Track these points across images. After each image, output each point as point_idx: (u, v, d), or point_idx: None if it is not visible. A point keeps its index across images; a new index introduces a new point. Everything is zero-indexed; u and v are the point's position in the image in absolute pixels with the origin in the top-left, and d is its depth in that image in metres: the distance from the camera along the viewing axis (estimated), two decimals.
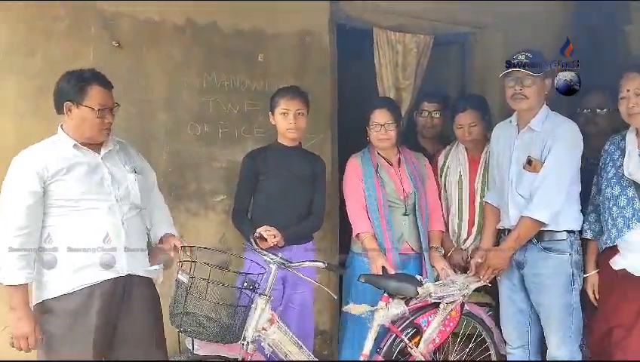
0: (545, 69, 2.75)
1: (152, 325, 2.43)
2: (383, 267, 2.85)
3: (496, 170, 2.98)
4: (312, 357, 2.68)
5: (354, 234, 3.02)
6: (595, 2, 3.62)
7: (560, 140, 2.70)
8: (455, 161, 3.22)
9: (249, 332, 2.49)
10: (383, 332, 2.75)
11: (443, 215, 3.17)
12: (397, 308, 2.71)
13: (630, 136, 2.61)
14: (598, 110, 3.14)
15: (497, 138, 2.99)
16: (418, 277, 2.82)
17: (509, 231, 2.82)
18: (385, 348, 2.73)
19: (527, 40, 3.10)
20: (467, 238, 3.15)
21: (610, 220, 2.59)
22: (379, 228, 2.95)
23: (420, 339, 2.77)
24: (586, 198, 2.80)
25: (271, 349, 2.57)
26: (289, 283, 2.85)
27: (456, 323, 2.85)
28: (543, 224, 2.69)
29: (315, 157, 3.07)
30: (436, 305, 2.79)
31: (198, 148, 3.26)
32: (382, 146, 3.06)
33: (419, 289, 2.71)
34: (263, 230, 2.74)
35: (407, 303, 2.74)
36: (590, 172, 2.80)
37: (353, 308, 2.74)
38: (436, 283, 2.85)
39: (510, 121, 2.94)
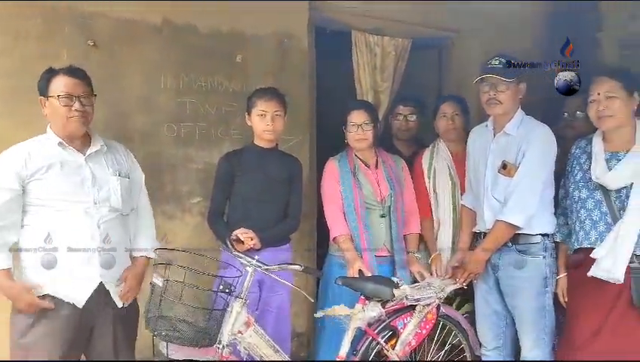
0: (519, 74, 2.79)
1: (122, 337, 2.42)
2: (360, 269, 2.86)
3: (472, 173, 3.01)
4: (288, 360, 2.67)
5: (331, 237, 3.02)
6: (568, 9, 3.69)
7: (534, 145, 2.73)
8: (442, 161, 3.23)
9: (225, 336, 2.46)
10: (360, 334, 2.75)
11: (432, 219, 3.18)
12: (373, 310, 2.71)
13: (597, 140, 2.65)
14: (577, 113, 3.18)
15: (473, 141, 3.02)
16: (395, 279, 2.83)
17: (485, 234, 2.84)
18: (361, 351, 2.73)
19: (502, 45, 3.14)
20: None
21: (578, 223, 2.63)
22: (356, 231, 2.95)
23: (396, 342, 2.77)
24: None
25: (247, 352, 2.55)
26: (266, 285, 2.83)
27: (433, 326, 2.86)
28: (517, 228, 2.71)
29: (291, 158, 3.06)
30: (412, 307, 2.80)
31: (174, 150, 3.23)
32: (359, 147, 3.07)
33: (395, 291, 2.72)
34: (239, 232, 2.73)
35: (383, 306, 2.75)
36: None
37: (337, 310, 2.73)
38: (412, 285, 2.87)
39: (486, 125, 2.97)
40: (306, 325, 3.47)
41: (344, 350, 2.68)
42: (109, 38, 3.06)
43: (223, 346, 2.46)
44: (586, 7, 3.87)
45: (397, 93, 3.84)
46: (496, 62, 2.77)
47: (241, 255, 2.60)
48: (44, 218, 2.27)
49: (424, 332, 2.83)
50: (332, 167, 3.09)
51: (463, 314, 3.07)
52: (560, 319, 2.80)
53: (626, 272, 2.45)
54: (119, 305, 2.41)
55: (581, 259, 2.59)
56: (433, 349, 3.01)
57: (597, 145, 2.63)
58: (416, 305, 2.80)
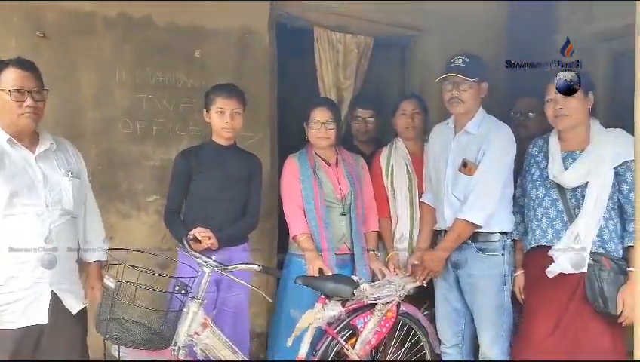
0: (482, 73, 2.80)
1: (73, 339, 2.34)
2: (320, 268, 2.83)
3: (432, 171, 3.01)
4: (246, 361, 2.62)
5: (290, 235, 2.98)
6: (525, 11, 3.75)
7: (494, 144, 2.75)
8: (400, 159, 3.22)
9: (180, 337, 2.41)
10: (319, 334, 2.73)
11: (390, 218, 3.17)
12: (333, 309, 2.69)
13: (553, 140, 2.68)
14: (529, 114, 3.23)
15: (435, 139, 3.03)
16: (355, 278, 2.81)
17: (445, 232, 2.85)
18: (321, 351, 2.70)
19: (464, 44, 3.15)
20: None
21: (534, 221, 2.66)
22: (316, 229, 2.93)
23: (356, 341, 2.76)
24: None
25: (204, 354, 2.50)
26: (223, 285, 2.78)
27: (393, 324, 2.86)
28: (477, 226, 2.73)
29: (250, 156, 3.00)
30: (372, 306, 2.79)
31: (129, 147, 3.14)
32: (320, 145, 3.04)
33: (355, 290, 2.70)
34: (196, 231, 2.67)
35: (343, 305, 2.73)
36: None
37: (301, 322, 2.68)
38: (372, 284, 2.86)
39: (447, 123, 2.98)
40: (267, 325, 3.43)
41: (303, 350, 2.65)
42: (60, 30, 2.96)
43: (179, 348, 2.42)
44: (543, 9, 3.94)
45: (359, 91, 3.83)
46: (459, 60, 2.78)
47: (197, 255, 2.54)
48: None
49: (384, 330, 2.82)
50: (292, 164, 3.05)
51: (423, 313, 3.08)
52: (516, 317, 2.83)
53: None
54: (74, 311, 2.33)
55: (538, 257, 2.62)
56: (393, 347, 3.01)
57: (553, 144, 2.67)
58: (376, 304, 2.79)
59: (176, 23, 3.25)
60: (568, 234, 2.52)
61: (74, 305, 2.33)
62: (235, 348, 2.57)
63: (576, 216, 2.53)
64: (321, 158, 3.07)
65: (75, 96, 2.99)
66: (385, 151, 3.28)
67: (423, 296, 3.07)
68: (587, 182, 2.53)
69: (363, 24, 3.85)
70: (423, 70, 3.98)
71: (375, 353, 2.96)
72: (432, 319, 3.03)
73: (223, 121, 2.82)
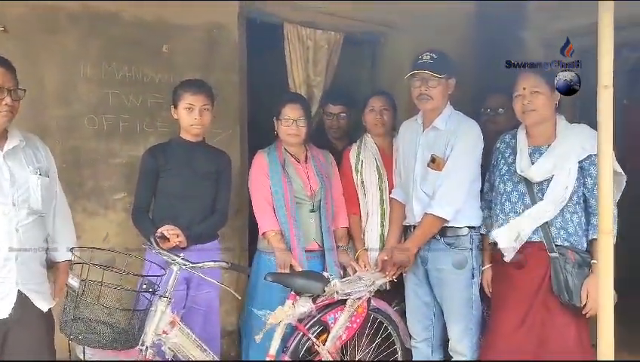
0: (449, 69, 2.82)
1: (40, 338, 2.28)
2: (290, 265, 2.82)
3: (401, 166, 3.03)
4: (216, 359, 2.60)
5: (260, 232, 2.97)
6: (493, 8, 3.79)
7: (462, 139, 2.78)
8: (369, 155, 3.22)
9: (148, 336, 2.39)
10: (290, 330, 2.72)
11: (359, 215, 3.17)
12: (304, 306, 2.68)
13: (521, 135, 2.73)
14: (499, 110, 3.27)
15: (403, 135, 3.05)
16: (325, 274, 2.81)
17: (414, 227, 2.87)
18: (292, 347, 2.70)
19: (433, 41, 3.17)
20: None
21: (502, 215, 2.70)
22: (286, 226, 2.91)
23: (327, 337, 2.76)
24: None
25: (172, 353, 2.47)
26: (193, 283, 2.75)
27: (363, 320, 2.87)
28: (445, 221, 2.75)
29: (219, 152, 2.97)
30: (343, 301, 2.80)
31: (95, 144, 3.07)
32: (290, 142, 3.03)
33: (326, 286, 2.70)
34: (165, 229, 2.63)
35: (314, 301, 2.72)
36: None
37: (273, 318, 2.66)
38: (343, 279, 2.86)
39: (416, 120, 3.00)
40: (237, 323, 3.40)
41: (274, 347, 2.64)
42: (22, 24, 2.86)
43: (147, 347, 2.39)
44: (511, 7, 3.98)
45: (330, 87, 3.82)
46: (427, 57, 2.80)
47: (165, 253, 2.52)
48: None
49: (355, 326, 2.83)
50: (261, 160, 3.03)
51: (394, 308, 3.10)
52: (484, 310, 2.87)
53: (547, 261, 2.54)
54: (44, 309, 2.28)
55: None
56: (364, 342, 3.01)
57: (521, 139, 2.71)
58: (346, 300, 2.79)
59: (143, 18, 3.18)
60: (522, 218, 2.57)
61: (41, 305, 2.28)
62: (204, 346, 2.55)
63: None
64: (291, 155, 3.06)
65: (39, 92, 2.90)
66: (354, 147, 3.29)
67: (394, 292, 3.09)
68: (553, 176, 2.57)
69: (333, 20, 3.83)
70: (393, 66, 3.98)
71: (346, 348, 2.97)
72: (403, 314, 3.05)
73: (191, 117, 2.79)
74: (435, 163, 2.81)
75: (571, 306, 2.51)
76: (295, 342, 2.71)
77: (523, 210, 2.62)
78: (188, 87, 2.82)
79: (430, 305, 2.92)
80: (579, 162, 2.56)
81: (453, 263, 2.79)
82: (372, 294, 2.88)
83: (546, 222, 2.56)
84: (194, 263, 2.50)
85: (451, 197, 2.74)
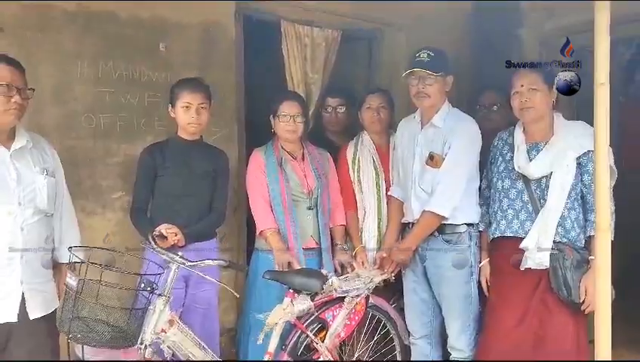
0: (446, 67, 2.83)
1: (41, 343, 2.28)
2: (288, 262, 2.82)
3: (399, 164, 3.03)
4: (215, 358, 2.60)
5: (257, 230, 2.97)
6: (490, 7, 3.80)
7: (460, 137, 2.78)
8: (366, 153, 3.22)
9: (147, 335, 2.39)
10: (289, 328, 2.72)
11: (356, 212, 3.17)
12: (302, 303, 2.69)
13: (518, 132, 2.73)
14: (494, 107, 3.28)
15: (402, 133, 3.06)
16: (323, 271, 2.81)
17: (413, 224, 2.87)
18: (290, 345, 2.70)
19: (429, 39, 3.17)
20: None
21: (500, 212, 2.70)
22: (283, 223, 2.92)
23: (325, 334, 2.77)
24: None
25: (171, 352, 2.47)
26: (192, 282, 2.75)
27: (362, 317, 2.87)
28: (444, 218, 2.76)
29: (216, 151, 2.97)
30: (341, 299, 2.80)
31: (93, 143, 3.05)
32: (288, 138, 3.03)
33: (324, 284, 2.71)
34: (162, 228, 2.62)
35: (312, 298, 2.73)
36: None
37: (272, 317, 2.66)
38: (341, 277, 2.87)
39: (414, 117, 3.01)
40: (236, 321, 3.40)
41: (273, 345, 2.64)
42: (18, 23, 2.85)
43: (145, 346, 2.39)
44: (508, 5, 3.99)
45: (327, 84, 3.82)
46: (425, 55, 2.80)
47: (163, 251, 2.52)
48: None
49: (353, 323, 2.84)
50: (258, 157, 3.03)
51: (392, 305, 3.10)
52: (480, 308, 2.87)
53: None
54: (46, 311, 2.28)
55: (503, 248, 2.66)
56: (363, 340, 3.02)
57: (518, 136, 2.72)
58: (345, 297, 2.79)
59: (140, 16, 3.17)
60: (536, 226, 2.55)
61: (45, 305, 2.29)
62: (203, 344, 2.55)
63: (541, 207, 2.58)
64: (288, 152, 3.06)
65: (35, 92, 2.87)
66: (351, 145, 3.29)
67: (392, 289, 3.10)
68: (551, 173, 2.58)
69: (330, 18, 3.83)
70: (391, 64, 3.99)
71: (345, 346, 2.98)
72: (401, 311, 3.06)
73: (188, 116, 2.78)
74: (433, 160, 2.82)
75: (570, 303, 2.52)
76: (294, 339, 2.72)
77: (521, 207, 2.63)
78: (185, 86, 2.82)
79: (429, 302, 2.93)
80: (576, 158, 2.57)
81: (453, 263, 2.79)
82: (370, 291, 2.88)
83: None
84: (192, 261, 2.50)
85: (449, 194, 2.75)
